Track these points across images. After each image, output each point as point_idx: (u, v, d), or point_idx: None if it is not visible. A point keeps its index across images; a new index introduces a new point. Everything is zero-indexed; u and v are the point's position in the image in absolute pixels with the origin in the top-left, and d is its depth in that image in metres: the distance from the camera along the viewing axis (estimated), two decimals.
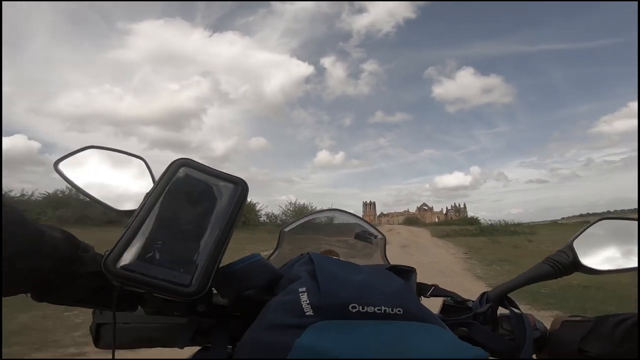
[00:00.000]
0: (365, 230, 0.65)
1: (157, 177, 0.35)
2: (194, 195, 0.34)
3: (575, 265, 0.45)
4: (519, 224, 21.54)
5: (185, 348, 0.38)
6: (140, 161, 0.47)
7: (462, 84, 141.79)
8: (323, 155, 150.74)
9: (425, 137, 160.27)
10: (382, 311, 0.29)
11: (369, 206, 70.86)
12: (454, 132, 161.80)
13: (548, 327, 0.45)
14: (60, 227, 0.32)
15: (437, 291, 0.48)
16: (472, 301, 0.47)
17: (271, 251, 0.61)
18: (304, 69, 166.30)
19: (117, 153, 0.47)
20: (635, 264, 0.44)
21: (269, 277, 0.36)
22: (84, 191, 0.42)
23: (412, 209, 73.22)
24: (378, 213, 71.01)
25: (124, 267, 0.28)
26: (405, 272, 0.41)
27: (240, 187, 0.35)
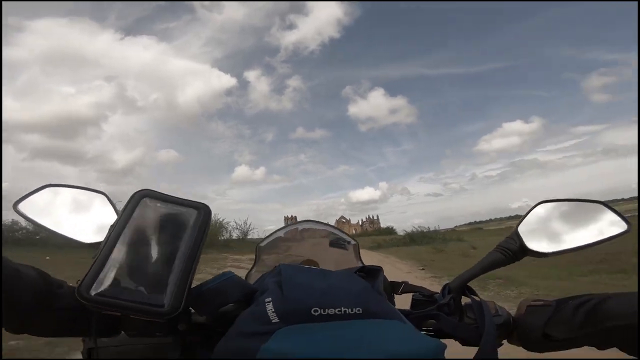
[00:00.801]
0: (339, 237, 0.72)
1: (119, 210, 0.38)
2: (158, 222, 0.37)
3: (524, 250, 0.48)
4: (436, 231, 22.24)
5: None
6: (102, 196, 0.48)
7: (374, 104, 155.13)
8: (242, 170, 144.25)
9: (341, 153, 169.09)
10: (343, 312, 0.32)
11: (291, 221, 68.71)
12: (365, 149, 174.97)
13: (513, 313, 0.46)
14: (33, 266, 0.34)
15: (407, 287, 0.52)
16: (438, 294, 0.49)
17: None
18: (226, 80, 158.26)
19: (77, 189, 0.48)
20: (579, 244, 0.47)
21: (241, 292, 0.39)
22: (48, 228, 0.44)
23: (332, 222, 73.49)
24: None
25: (98, 294, 0.31)
26: (373, 272, 0.44)
27: (202, 211, 0.38)
